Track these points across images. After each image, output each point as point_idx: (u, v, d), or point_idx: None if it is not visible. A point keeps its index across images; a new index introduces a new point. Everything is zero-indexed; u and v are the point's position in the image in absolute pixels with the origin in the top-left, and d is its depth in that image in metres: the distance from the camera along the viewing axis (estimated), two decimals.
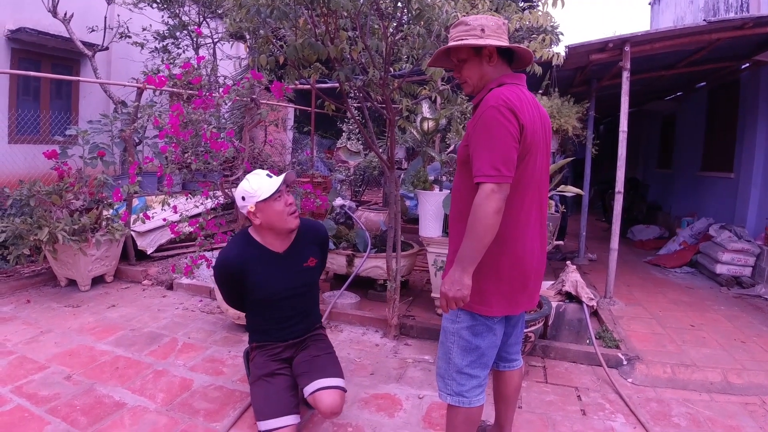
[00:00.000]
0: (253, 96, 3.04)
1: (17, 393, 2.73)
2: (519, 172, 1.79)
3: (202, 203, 3.78)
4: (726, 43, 4.42)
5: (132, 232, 4.89)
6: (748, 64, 5.64)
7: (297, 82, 3.25)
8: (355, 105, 3.76)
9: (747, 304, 4.93)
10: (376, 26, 2.71)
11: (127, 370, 3.05)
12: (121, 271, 4.85)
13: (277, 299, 2.49)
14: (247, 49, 2.81)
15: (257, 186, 2.32)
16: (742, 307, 4.85)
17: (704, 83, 6.88)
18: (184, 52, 7.50)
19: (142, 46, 7.23)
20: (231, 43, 4.99)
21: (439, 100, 4.57)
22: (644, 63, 4.96)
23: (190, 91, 3.49)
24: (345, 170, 5.20)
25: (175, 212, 3.48)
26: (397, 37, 2.67)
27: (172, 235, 3.62)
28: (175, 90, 3.88)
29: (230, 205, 4.00)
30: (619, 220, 4.65)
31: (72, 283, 4.51)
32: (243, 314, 3.62)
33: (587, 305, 3.69)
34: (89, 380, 2.91)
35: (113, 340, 3.49)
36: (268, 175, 2.38)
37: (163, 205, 3.41)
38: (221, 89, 3.19)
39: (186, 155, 3.37)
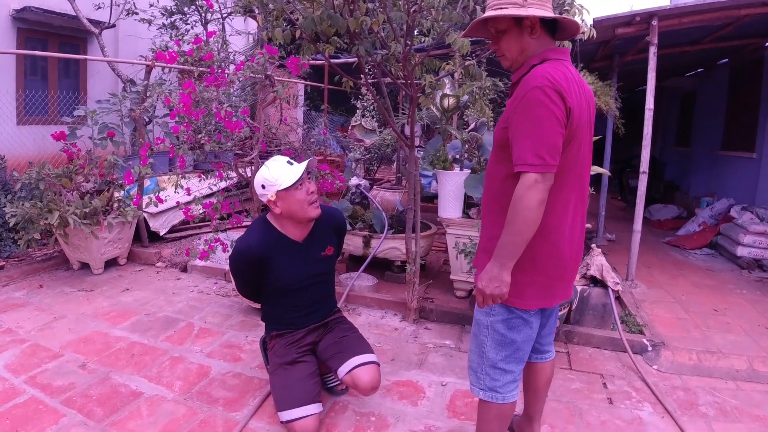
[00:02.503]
0: (268, 72, 2.90)
1: (31, 383, 2.67)
2: (562, 158, 1.65)
3: (215, 184, 3.68)
4: (754, 19, 4.24)
5: (144, 214, 4.81)
6: None
7: (311, 57, 3.11)
8: (370, 81, 3.62)
9: None
10: None
11: (143, 357, 2.99)
12: (134, 254, 4.79)
13: (296, 288, 2.43)
14: (260, 23, 2.67)
15: (278, 174, 2.23)
16: (765, 291, 4.75)
17: (726, 60, 6.64)
18: (192, 27, 7.31)
19: (149, 22, 7.03)
20: (244, 17, 4.81)
21: (457, 75, 4.42)
22: (669, 38, 4.77)
23: (202, 68, 3.35)
24: (360, 149, 5.07)
25: (189, 194, 3.38)
26: (421, 9, 2.51)
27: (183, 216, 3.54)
28: (186, 67, 3.74)
29: (244, 185, 3.89)
30: (642, 201, 4.53)
31: (85, 266, 4.45)
32: (239, 293, 3.61)
33: (612, 290, 3.59)
34: (104, 368, 2.85)
35: (128, 325, 3.43)
36: (288, 162, 2.28)
37: (176, 188, 3.31)
38: (233, 66, 3.04)
39: (199, 135, 3.25)
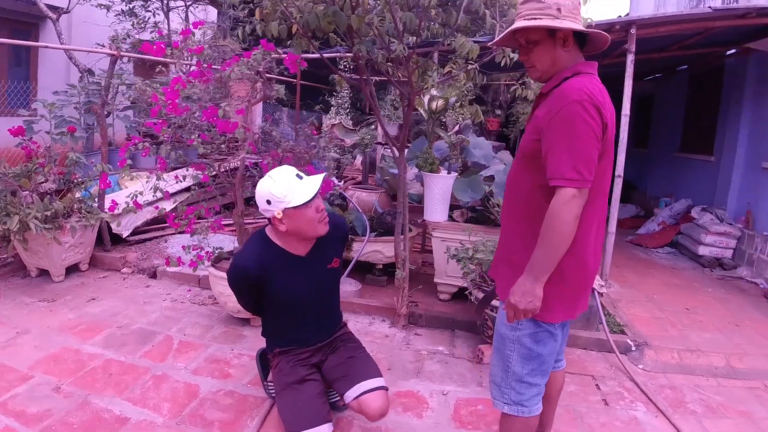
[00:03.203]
0: (260, 69, 2.72)
1: (2, 411, 2.39)
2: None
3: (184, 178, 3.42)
4: (722, 29, 4.42)
5: (105, 214, 4.46)
6: (734, 51, 5.69)
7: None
8: (355, 78, 3.49)
9: (732, 286, 5.08)
10: None
11: (123, 377, 2.75)
12: (96, 259, 4.45)
13: (300, 305, 2.25)
14: (259, 17, 2.48)
15: (286, 190, 2.00)
16: (728, 289, 4.99)
17: (685, 66, 6.94)
18: (153, 15, 6.87)
19: (108, 8, 6.55)
20: (201, 5, 4.52)
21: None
22: (640, 45, 4.91)
23: (186, 62, 3.12)
24: (337, 149, 4.93)
25: (168, 198, 3.15)
26: (428, 9, 2.41)
27: (148, 217, 3.28)
28: (168, 61, 3.48)
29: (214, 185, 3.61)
30: (617, 203, 4.63)
31: (44, 272, 4.09)
32: (241, 308, 3.41)
33: (598, 292, 3.64)
34: (82, 391, 2.60)
35: (100, 340, 3.16)
36: (297, 175, 2.06)
37: (155, 191, 3.06)
38: (223, 60, 2.84)
39: (180, 134, 3.03)
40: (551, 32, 1.68)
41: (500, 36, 1.78)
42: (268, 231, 2.22)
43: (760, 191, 5.51)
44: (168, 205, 4.86)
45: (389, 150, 7.09)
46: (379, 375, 2.27)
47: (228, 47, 2.99)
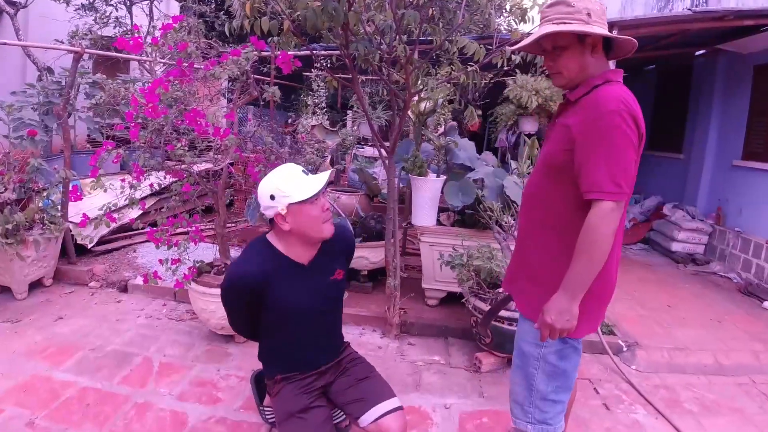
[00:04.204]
0: (248, 68, 2.53)
1: None
2: None
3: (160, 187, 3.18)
4: (696, 31, 4.51)
5: (70, 225, 4.14)
6: (703, 51, 5.83)
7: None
8: (341, 77, 3.34)
9: (706, 281, 5.21)
10: None
11: (102, 407, 2.51)
12: (61, 272, 4.13)
13: (302, 320, 2.09)
14: (249, 11, 2.28)
15: (292, 184, 1.90)
16: (703, 284, 5.11)
17: (653, 66, 7.09)
18: (116, 9, 6.45)
19: (67, 2, 6.10)
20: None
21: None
22: None
23: (169, 62, 2.89)
24: (318, 151, 4.76)
25: (143, 208, 2.91)
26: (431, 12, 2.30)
27: (115, 225, 3.03)
28: (135, 58, 3.22)
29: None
30: None
31: (5, 290, 3.76)
32: (225, 324, 3.20)
33: None
34: (58, 426, 2.35)
35: (73, 365, 2.89)
36: (304, 171, 1.96)
37: (131, 202, 2.81)
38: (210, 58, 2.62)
39: (153, 138, 2.80)
40: (581, 38, 1.61)
41: (527, 40, 1.68)
42: (269, 236, 2.07)
43: (730, 188, 5.68)
44: (135, 213, 4.58)
45: (362, 149, 6.98)
46: (394, 395, 2.14)
47: (213, 45, 2.76)
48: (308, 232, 1.97)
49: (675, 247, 5.85)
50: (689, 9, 3.97)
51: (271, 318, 2.07)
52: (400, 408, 2.07)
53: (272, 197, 1.91)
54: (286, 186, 1.90)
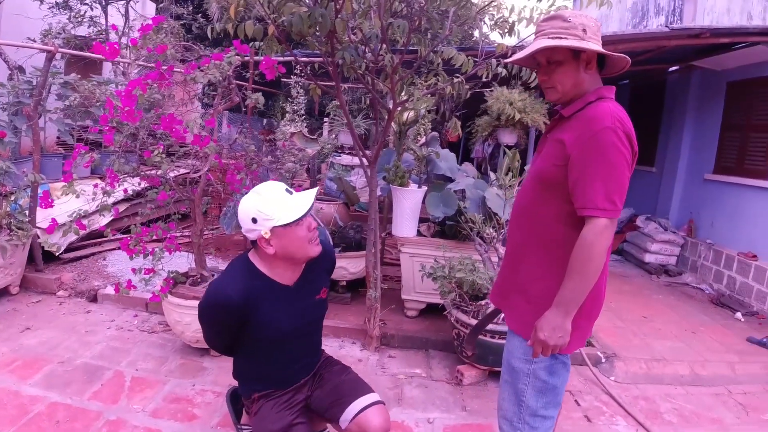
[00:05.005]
0: (229, 73, 2.46)
1: None
2: None
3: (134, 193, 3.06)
4: (672, 48, 4.62)
5: (37, 230, 3.96)
6: (677, 67, 5.99)
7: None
8: (324, 84, 3.29)
9: (679, 292, 5.31)
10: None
11: (73, 424, 2.38)
12: (28, 280, 3.95)
13: (285, 341, 1.98)
14: (234, 14, 2.20)
15: (275, 206, 1.77)
16: (676, 295, 5.21)
17: (627, 81, 7.25)
18: (91, 8, 6.25)
19: (41, 0, 5.88)
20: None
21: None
22: None
23: (147, 64, 2.79)
24: (297, 159, 4.66)
25: (117, 215, 2.80)
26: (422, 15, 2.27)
27: (83, 232, 2.89)
28: (118, 60, 3.11)
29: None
30: None
31: None
32: (200, 338, 3.09)
33: None
34: None
35: (41, 379, 2.75)
36: (287, 190, 1.82)
37: (102, 209, 2.69)
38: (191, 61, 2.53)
39: (128, 142, 2.70)
40: (576, 53, 1.61)
41: (522, 53, 1.67)
42: (252, 256, 1.95)
43: (702, 201, 5.82)
44: (106, 219, 4.42)
45: (339, 157, 6.92)
46: (372, 391, 2.05)
47: (193, 47, 2.68)
48: (294, 253, 1.86)
49: (648, 258, 5.96)
50: (667, 26, 4.07)
51: (251, 340, 1.96)
52: (380, 402, 1.97)
53: (254, 220, 1.78)
54: (269, 208, 1.77)
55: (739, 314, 4.60)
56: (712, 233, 5.61)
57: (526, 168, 3.75)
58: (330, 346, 3.47)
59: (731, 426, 2.89)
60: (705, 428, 2.86)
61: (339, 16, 2.30)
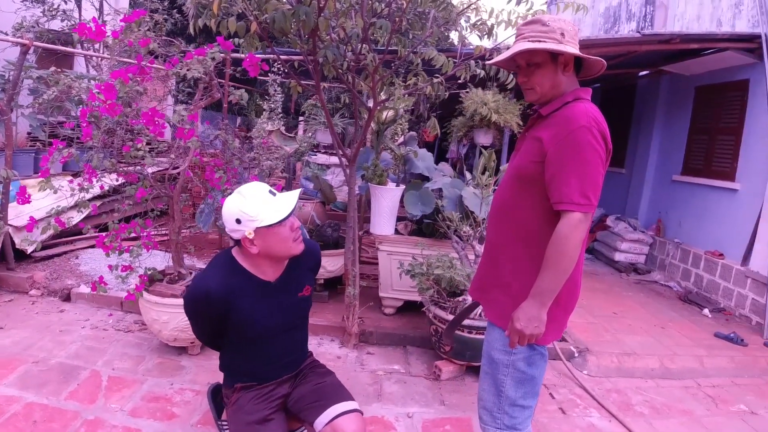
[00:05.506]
0: (211, 69, 2.45)
1: None
2: None
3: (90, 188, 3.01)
4: (644, 53, 4.76)
5: (9, 228, 3.85)
6: (647, 72, 6.18)
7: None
8: (306, 82, 3.30)
9: (648, 289, 5.49)
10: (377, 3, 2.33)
11: (50, 425, 2.34)
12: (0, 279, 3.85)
13: (267, 338, 2.00)
14: (217, 10, 2.18)
15: (259, 207, 1.80)
16: (646, 292, 5.38)
17: (599, 84, 7.45)
18: (65, 2, 6.09)
19: None
20: None
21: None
22: None
23: (126, 59, 2.75)
24: (276, 157, 4.65)
25: (95, 212, 2.75)
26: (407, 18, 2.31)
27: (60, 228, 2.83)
28: (92, 54, 3.05)
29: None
30: None
31: None
32: (178, 336, 3.07)
33: None
34: None
35: (16, 379, 2.70)
36: (270, 191, 1.85)
37: (79, 206, 2.65)
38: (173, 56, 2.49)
39: (105, 138, 2.66)
40: (554, 56, 1.68)
41: (503, 56, 1.73)
42: (235, 253, 1.97)
43: (670, 202, 6.02)
44: (82, 216, 4.32)
45: (314, 156, 6.91)
46: (352, 398, 2.08)
47: (175, 42, 2.65)
48: (278, 253, 1.89)
49: (618, 257, 6.13)
50: (638, 32, 4.20)
51: (235, 334, 1.98)
52: (357, 411, 1.99)
53: (238, 221, 1.80)
54: (253, 210, 1.79)
55: (706, 310, 4.77)
56: (679, 233, 5.80)
57: (502, 168, 3.84)
58: (309, 344, 3.45)
59: (701, 417, 3.00)
60: (676, 419, 2.96)
61: (322, 14, 2.33)
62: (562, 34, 1.65)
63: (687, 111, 5.85)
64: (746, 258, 4.79)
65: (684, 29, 6.04)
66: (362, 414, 2.03)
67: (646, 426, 2.85)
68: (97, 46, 4.49)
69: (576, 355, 3.69)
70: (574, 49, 1.66)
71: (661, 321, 4.48)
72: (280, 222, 1.81)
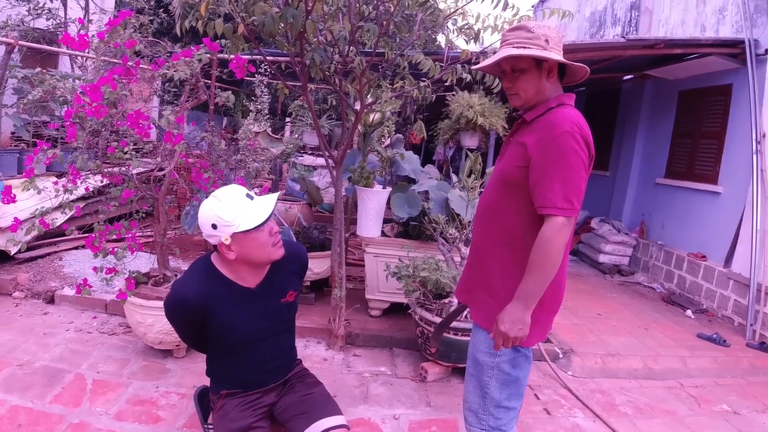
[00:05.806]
0: (196, 71, 2.44)
1: None
2: None
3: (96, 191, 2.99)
4: (628, 57, 4.83)
5: None
6: (632, 76, 6.27)
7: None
8: (292, 84, 3.31)
9: (632, 291, 5.56)
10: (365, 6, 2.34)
11: (35, 428, 2.32)
12: None
13: (250, 343, 1.96)
14: (204, 11, 2.15)
15: (235, 212, 1.74)
16: (630, 294, 5.45)
17: (584, 88, 7.53)
18: (51, 0, 6.01)
19: None
20: None
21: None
22: None
23: (111, 59, 2.73)
24: (263, 159, 4.64)
25: (79, 213, 2.73)
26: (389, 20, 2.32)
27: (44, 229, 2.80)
28: (78, 53, 3.02)
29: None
30: None
31: None
32: (163, 339, 3.04)
33: None
34: None
35: (0, 382, 2.67)
36: (248, 195, 1.79)
37: (63, 207, 2.62)
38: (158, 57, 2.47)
39: (90, 139, 2.64)
40: (538, 62, 1.70)
41: (488, 61, 1.75)
42: (214, 258, 1.94)
43: (654, 204, 6.11)
44: (65, 217, 4.27)
45: (301, 158, 6.91)
46: (340, 413, 2.06)
47: (161, 43, 2.64)
48: (256, 259, 1.84)
49: (602, 258, 6.20)
50: (623, 36, 4.27)
51: (217, 341, 1.95)
52: (344, 426, 1.96)
53: (214, 226, 1.75)
54: (230, 215, 1.73)
55: (689, 312, 4.85)
56: (663, 235, 5.89)
57: (488, 171, 3.87)
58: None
59: (684, 417, 3.05)
60: (659, 419, 3.00)
61: (309, 17, 2.33)
62: (547, 41, 1.68)
63: (670, 115, 5.94)
64: (728, 260, 4.87)
65: (668, 34, 6.13)
66: (349, 429, 2.01)
67: (629, 426, 2.89)
68: (110, 48, 4.43)
69: (560, 356, 3.73)
70: (558, 56, 1.68)
71: (645, 322, 4.54)
72: (257, 227, 1.76)
